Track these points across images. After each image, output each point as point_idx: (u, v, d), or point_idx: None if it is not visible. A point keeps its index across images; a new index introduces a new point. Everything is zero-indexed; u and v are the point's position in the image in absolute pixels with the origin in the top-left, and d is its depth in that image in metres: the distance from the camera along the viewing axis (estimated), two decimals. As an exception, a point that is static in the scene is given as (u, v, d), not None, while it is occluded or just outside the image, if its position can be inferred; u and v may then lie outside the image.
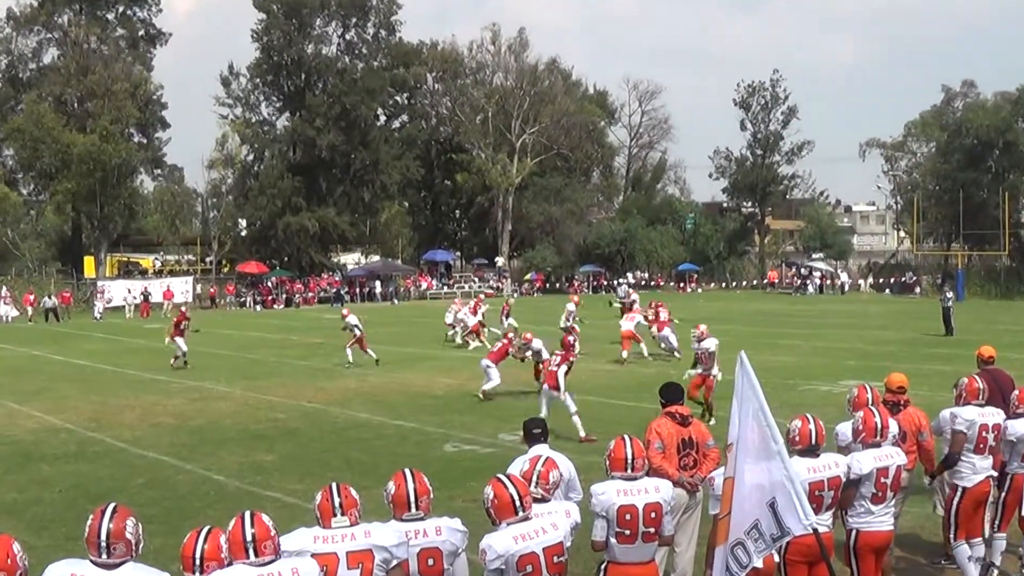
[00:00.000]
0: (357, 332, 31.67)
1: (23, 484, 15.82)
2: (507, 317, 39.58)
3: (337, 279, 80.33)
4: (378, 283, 78.60)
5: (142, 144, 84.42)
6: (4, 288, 63.80)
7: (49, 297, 62.33)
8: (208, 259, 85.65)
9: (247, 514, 6.13)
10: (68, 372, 31.82)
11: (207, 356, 34.27)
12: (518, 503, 6.93)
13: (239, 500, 14.07)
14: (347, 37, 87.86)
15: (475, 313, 38.41)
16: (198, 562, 6.04)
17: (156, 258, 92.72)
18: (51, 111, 77.47)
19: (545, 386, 19.08)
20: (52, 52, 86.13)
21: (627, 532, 7.66)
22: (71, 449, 18.75)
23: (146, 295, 66.08)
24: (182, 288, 72.33)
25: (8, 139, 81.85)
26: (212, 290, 74.80)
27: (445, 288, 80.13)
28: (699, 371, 20.90)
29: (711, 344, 20.81)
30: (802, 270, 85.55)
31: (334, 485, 6.81)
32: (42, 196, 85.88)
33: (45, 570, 5.93)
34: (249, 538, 6.01)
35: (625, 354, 31.30)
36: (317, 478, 14.48)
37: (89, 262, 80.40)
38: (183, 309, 31.44)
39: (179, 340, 31.87)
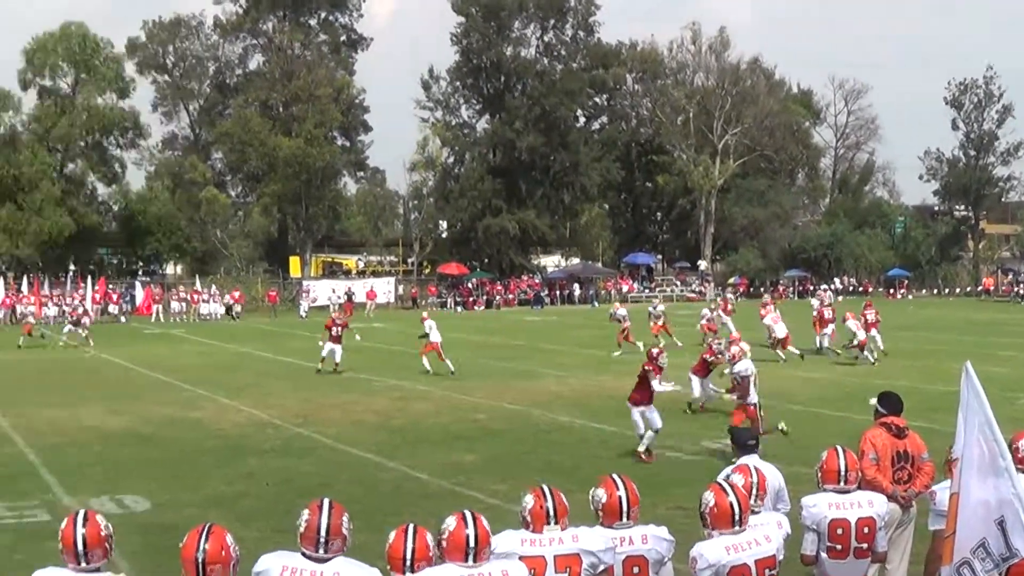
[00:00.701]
0: (433, 339, 30.62)
1: (232, 477, 16.32)
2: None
3: (537, 281, 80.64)
4: (577, 286, 78.70)
5: (345, 147, 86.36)
6: (213, 287, 66.00)
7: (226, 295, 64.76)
8: (410, 260, 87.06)
9: (469, 516, 6.15)
10: (275, 369, 32.74)
11: (408, 356, 34.74)
12: (737, 515, 6.78)
13: (441, 499, 14.23)
14: (546, 39, 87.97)
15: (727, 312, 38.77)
16: (408, 562, 6.04)
17: (359, 259, 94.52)
18: (257, 115, 79.87)
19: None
20: (258, 58, 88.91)
21: (839, 547, 7.47)
22: (278, 444, 19.29)
23: (350, 295, 67.39)
24: (384, 289, 73.57)
25: (217, 143, 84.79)
26: (414, 291, 75.91)
27: (646, 291, 79.61)
28: (735, 399, 18.77)
29: (745, 368, 18.32)
30: (1020, 277, 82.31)
31: (546, 490, 6.79)
32: (249, 198, 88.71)
33: (257, 561, 6.10)
34: (472, 543, 6.05)
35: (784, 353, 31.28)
36: (518, 480, 14.55)
37: (295, 262, 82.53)
38: (335, 315, 31.33)
39: (335, 346, 30.48)
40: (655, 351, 18.10)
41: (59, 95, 75.34)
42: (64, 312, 58.63)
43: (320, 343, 31.13)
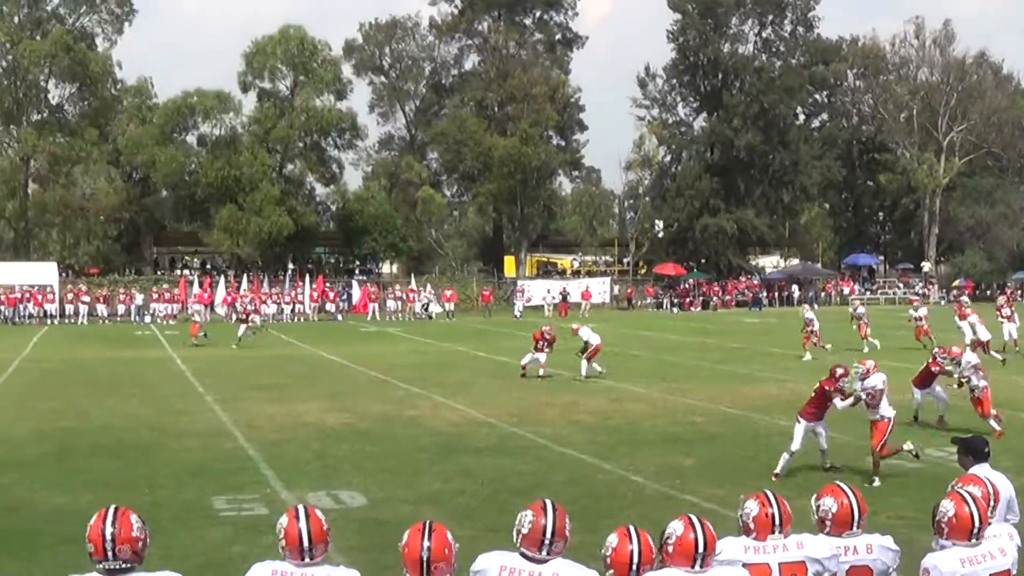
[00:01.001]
0: (592, 344, 29.83)
1: (447, 474, 16.40)
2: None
3: (755, 282, 79.50)
4: (796, 287, 77.35)
5: (560, 146, 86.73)
6: (429, 286, 67.00)
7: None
8: (625, 260, 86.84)
9: (695, 521, 6.00)
10: (490, 368, 32.95)
11: (624, 357, 34.64)
12: (976, 527, 6.44)
13: (656, 503, 14.13)
14: (764, 35, 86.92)
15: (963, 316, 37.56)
16: (635, 566, 5.88)
17: (574, 258, 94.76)
18: (473, 115, 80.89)
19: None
20: (473, 58, 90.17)
21: None
22: (493, 442, 19.34)
23: (564, 295, 67.58)
24: (599, 289, 73.50)
25: (433, 142, 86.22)
26: (629, 291, 75.66)
27: (868, 293, 77.65)
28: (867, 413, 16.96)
29: (880, 381, 16.62)
30: None
31: (771, 496, 6.61)
32: (464, 197, 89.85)
33: (475, 560, 6.04)
34: (700, 549, 5.89)
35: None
36: (736, 485, 14.17)
37: (509, 261, 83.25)
38: (545, 331, 30.89)
39: (538, 355, 30.01)
40: (840, 371, 16.86)
41: (278, 97, 77.48)
42: (282, 309, 60.62)
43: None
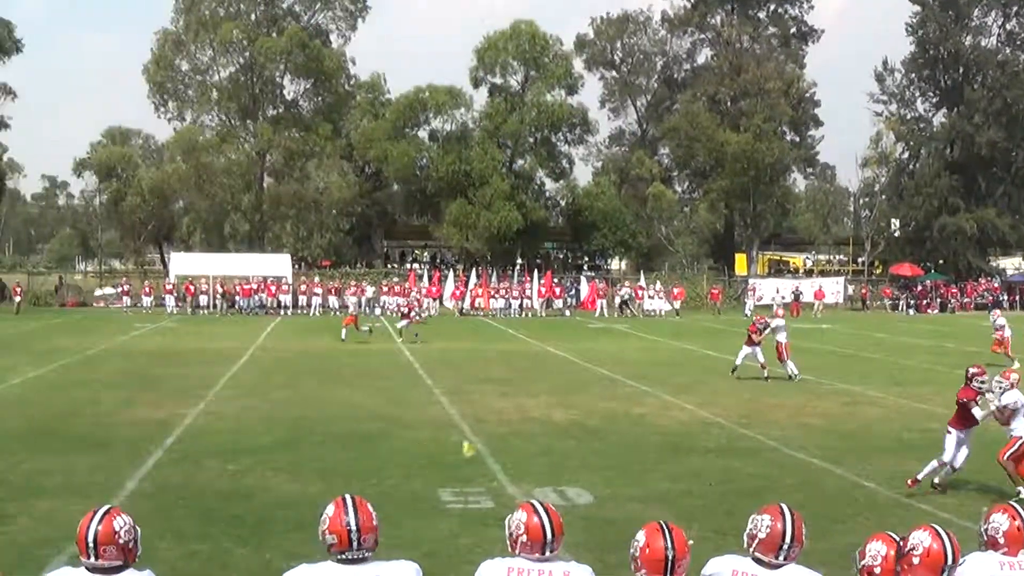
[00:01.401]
0: (780, 339, 29.27)
1: (676, 474, 16.28)
2: None
3: (995, 285, 76.76)
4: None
5: (794, 142, 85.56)
6: (658, 283, 66.78)
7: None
8: (860, 260, 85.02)
9: (942, 533, 5.79)
10: (719, 367, 32.45)
11: (857, 360, 33.91)
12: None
13: (889, 511, 13.86)
14: (1008, 27, 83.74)
15: None
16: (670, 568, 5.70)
17: (807, 257, 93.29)
18: (705, 110, 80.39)
19: None
20: (705, 52, 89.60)
21: None
22: (722, 443, 19.13)
23: (797, 294, 66.59)
24: (833, 289, 72.19)
25: (664, 138, 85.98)
26: (864, 291, 74.04)
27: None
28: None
29: (1015, 399, 15.34)
30: None
31: (1019, 509, 6.36)
32: (696, 194, 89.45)
33: (707, 563, 6.03)
34: (949, 561, 5.72)
35: None
36: (969, 497, 13.80)
37: (740, 259, 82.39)
38: (756, 319, 30.14)
39: (751, 349, 29.28)
40: (973, 370, 15.82)
41: (509, 92, 78.18)
42: (509, 304, 61.23)
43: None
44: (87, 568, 5.78)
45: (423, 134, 79.80)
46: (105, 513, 5.81)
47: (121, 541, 5.76)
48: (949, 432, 15.44)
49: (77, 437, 19.06)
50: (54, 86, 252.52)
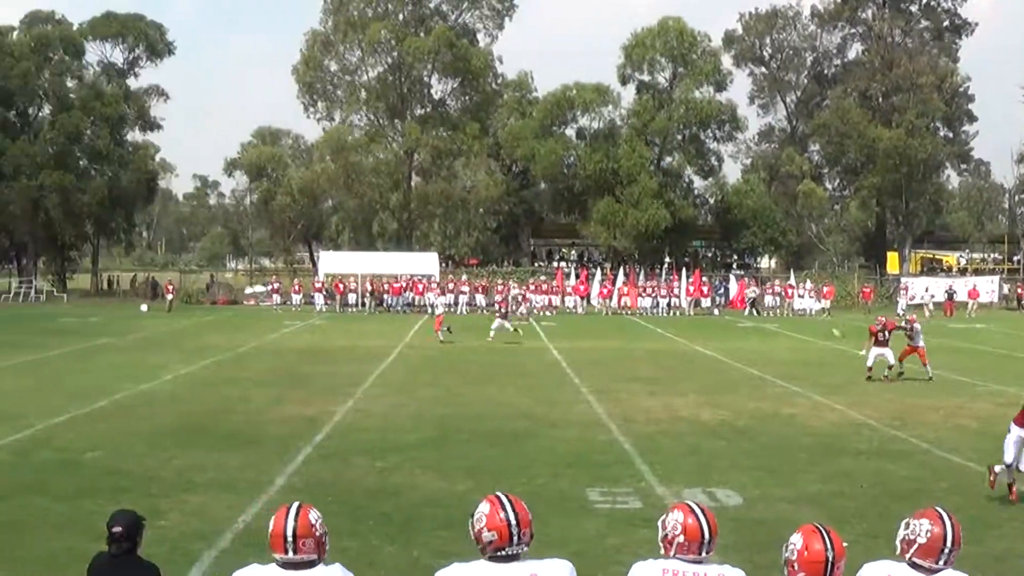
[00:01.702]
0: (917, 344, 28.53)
1: (826, 476, 16.04)
2: None
3: None
4: None
5: (948, 138, 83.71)
6: (808, 282, 65.91)
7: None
8: (1016, 258, 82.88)
9: None
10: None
11: (1012, 360, 33.08)
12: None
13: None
14: None
15: None
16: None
17: (960, 255, 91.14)
18: (856, 106, 79.07)
19: None
20: (856, 47, 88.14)
21: None
22: (874, 445, 18.79)
23: (950, 293, 65.19)
24: (987, 288, 70.50)
25: (814, 134, 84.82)
26: (1020, 290, 72.08)
27: None
28: None
29: None
30: None
31: None
32: (846, 191, 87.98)
33: (861, 568, 5.91)
34: None
35: None
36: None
37: (892, 258, 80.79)
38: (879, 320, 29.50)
39: (882, 351, 28.79)
40: None
41: (657, 89, 77.78)
42: (657, 303, 60.99)
43: (863, 352, 30.18)
44: (280, 564, 5.82)
45: (570, 132, 80.00)
46: (299, 508, 5.85)
47: (317, 534, 5.81)
48: (1010, 430, 14.72)
49: (228, 434, 19.48)
50: (205, 88, 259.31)
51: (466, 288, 63.31)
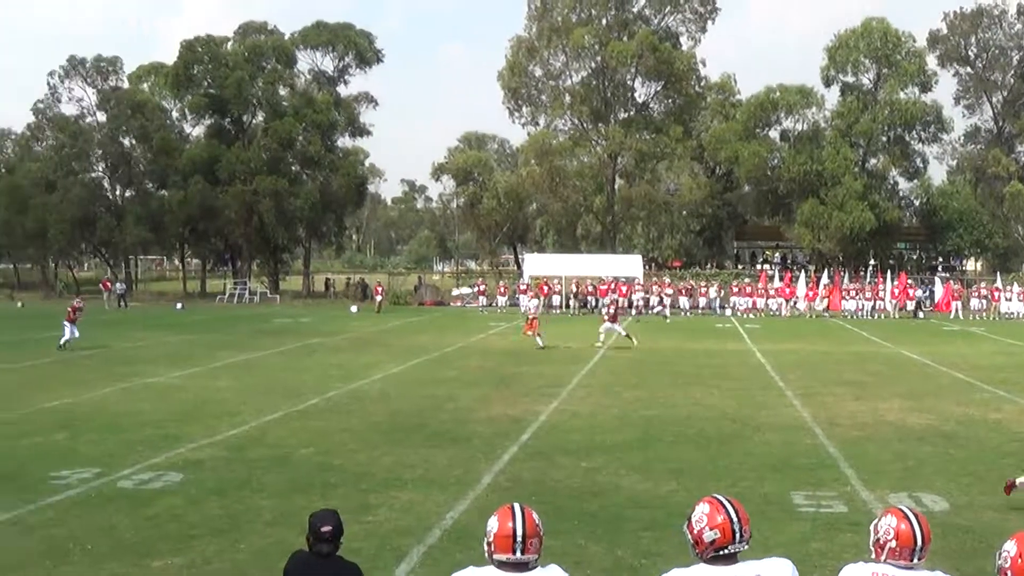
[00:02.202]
0: None
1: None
2: None
3: None
4: None
5: None
6: (1016, 284, 63.74)
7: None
8: None
9: None
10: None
11: None
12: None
13: None
14: None
15: None
16: None
17: None
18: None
19: None
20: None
21: None
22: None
23: None
24: None
25: (1022, 135, 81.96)
26: None
27: None
28: None
29: None
30: None
31: None
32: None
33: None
34: None
35: None
36: None
37: None
38: None
39: None
40: None
41: (861, 91, 76.27)
42: (862, 306, 59.83)
43: None
44: (500, 564, 5.69)
45: (774, 134, 79.05)
46: (523, 508, 5.78)
47: (541, 533, 5.76)
48: None
49: (435, 432, 19.84)
50: (413, 94, 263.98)
51: (670, 290, 62.99)
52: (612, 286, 61.86)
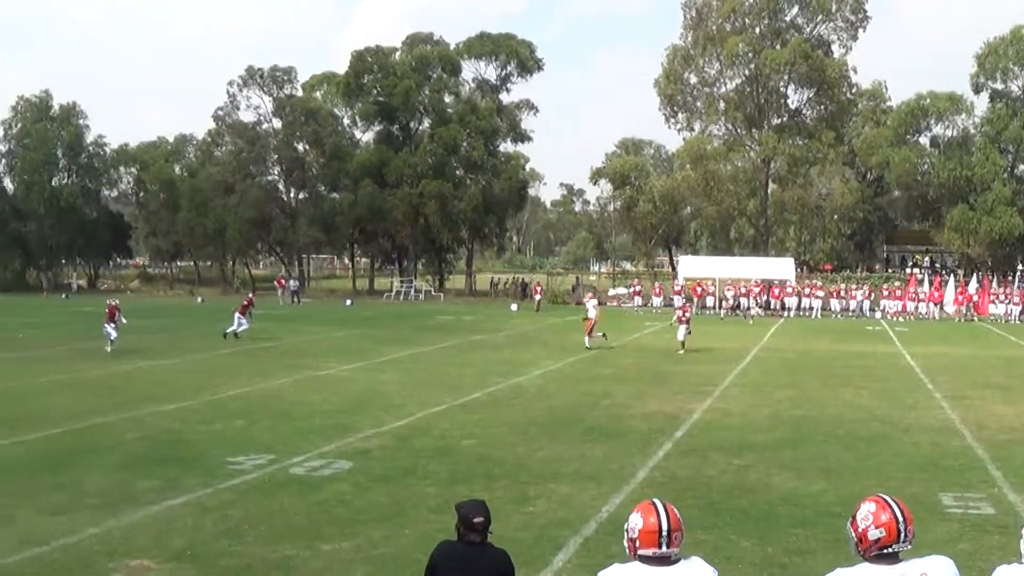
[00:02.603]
0: None
1: None
2: None
3: None
4: None
5: None
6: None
7: None
8: None
9: None
10: None
11: None
12: None
13: None
14: None
15: None
16: None
17: None
18: None
19: None
20: None
21: None
22: None
23: None
24: None
25: None
26: None
27: None
28: None
29: None
30: None
31: None
32: None
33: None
34: None
35: None
36: None
37: None
38: None
39: None
40: None
41: (1010, 98, 74.25)
42: (1010, 310, 58.23)
43: None
44: (645, 559, 5.59)
45: (924, 140, 77.40)
46: (664, 504, 5.68)
47: (683, 528, 5.66)
48: None
49: (591, 427, 19.97)
50: (572, 101, 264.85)
51: (820, 293, 62.14)
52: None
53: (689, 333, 36.68)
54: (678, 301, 59.14)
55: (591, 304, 39.81)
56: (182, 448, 17.54)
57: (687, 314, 38.03)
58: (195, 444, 17.96)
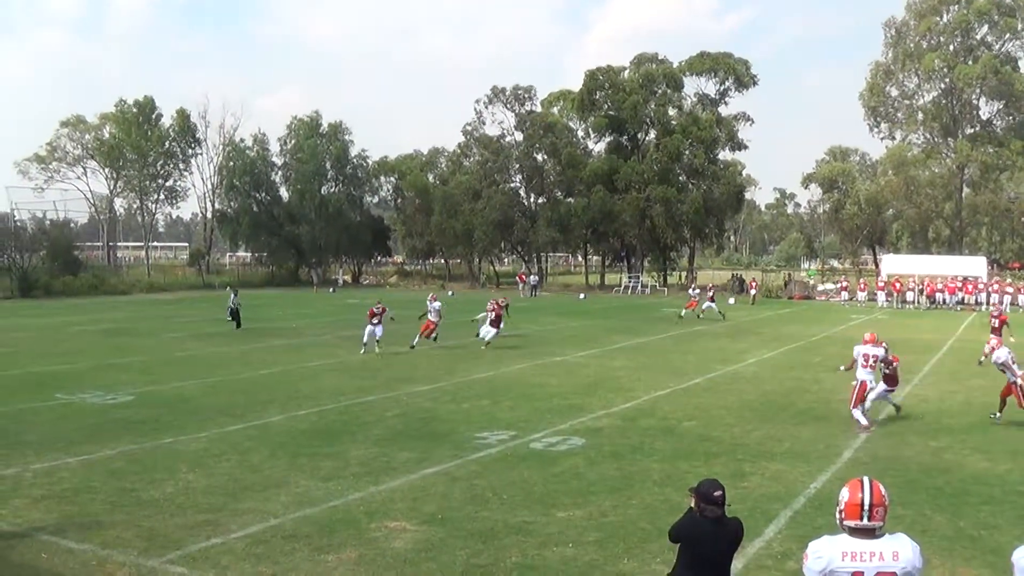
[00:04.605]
0: None
1: None
2: None
3: None
4: None
5: None
6: None
7: None
8: None
9: None
10: None
11: None
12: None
13: None
14: None
15: None
16: None
17: None
18: None
19: None
20: None
21: None
22: None
23: None
24: None
25: None
26: None
27: None
28: None
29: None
30: None
31: None
32: None
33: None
34: None
35: None
36: None
37: None
38: None
39: None
40: None
41: None
42: None
43: None
44: (851, 531, 5.53)
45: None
46: (871, 481, 5.61)
47: (887, 503, 5.55)
48: None
49: (801, 410, 19.74)
50: (784, 112, 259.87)
51: (1010, 289, 59.34)
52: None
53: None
54: (881, 297, 57.77)
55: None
56: (434, 424, 17.69)
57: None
58: (446, 421, 18.06)
